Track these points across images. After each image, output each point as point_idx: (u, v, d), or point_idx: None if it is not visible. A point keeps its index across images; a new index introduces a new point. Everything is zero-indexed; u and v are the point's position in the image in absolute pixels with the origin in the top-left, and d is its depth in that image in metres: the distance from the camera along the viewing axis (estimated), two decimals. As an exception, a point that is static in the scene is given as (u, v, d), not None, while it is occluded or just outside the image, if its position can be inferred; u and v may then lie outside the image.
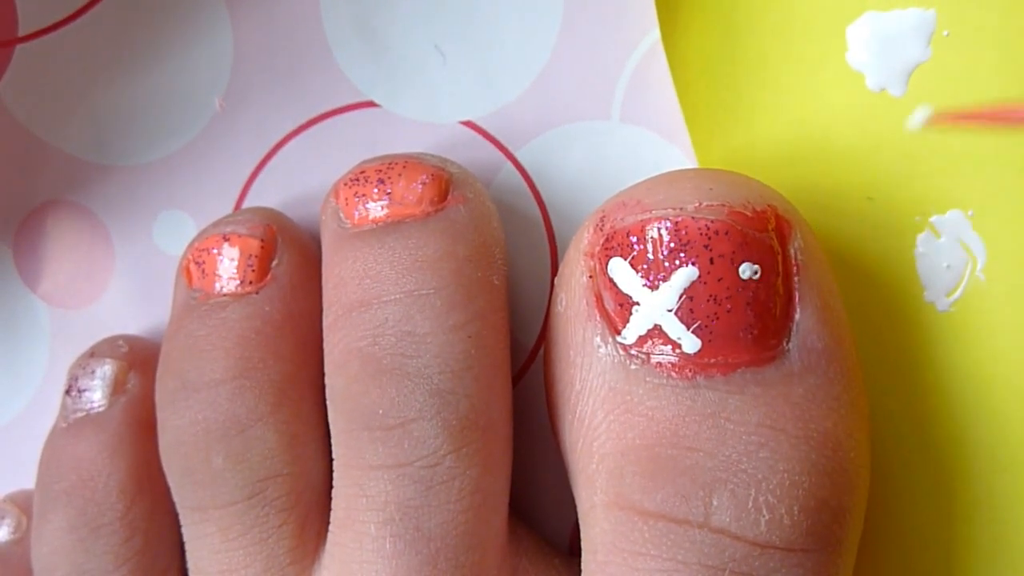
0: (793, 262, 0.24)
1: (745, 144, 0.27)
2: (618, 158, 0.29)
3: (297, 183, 0.30)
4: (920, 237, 0.26)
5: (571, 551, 0.30)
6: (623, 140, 0.29)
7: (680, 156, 0.28)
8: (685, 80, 0.28)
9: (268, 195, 0.31)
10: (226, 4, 0.30)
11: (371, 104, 0.30)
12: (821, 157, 0.26)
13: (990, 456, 0.26)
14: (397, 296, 0.25)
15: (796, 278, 0.24)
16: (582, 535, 0.25)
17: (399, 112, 0.30)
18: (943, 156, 0.25)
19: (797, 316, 0.24)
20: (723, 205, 0.23)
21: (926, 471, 0.26)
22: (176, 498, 0.28)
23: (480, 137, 0.29)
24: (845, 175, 0.26)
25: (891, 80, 0.25)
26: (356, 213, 0.27)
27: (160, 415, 0.28)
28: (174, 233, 0.31)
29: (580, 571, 0.27)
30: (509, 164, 0.29)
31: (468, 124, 0.29)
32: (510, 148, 0.29)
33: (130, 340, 0.30)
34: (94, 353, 0.30)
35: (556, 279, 0.26)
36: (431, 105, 0.30)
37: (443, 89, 0.29)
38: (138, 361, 0.30)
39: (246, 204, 0.31)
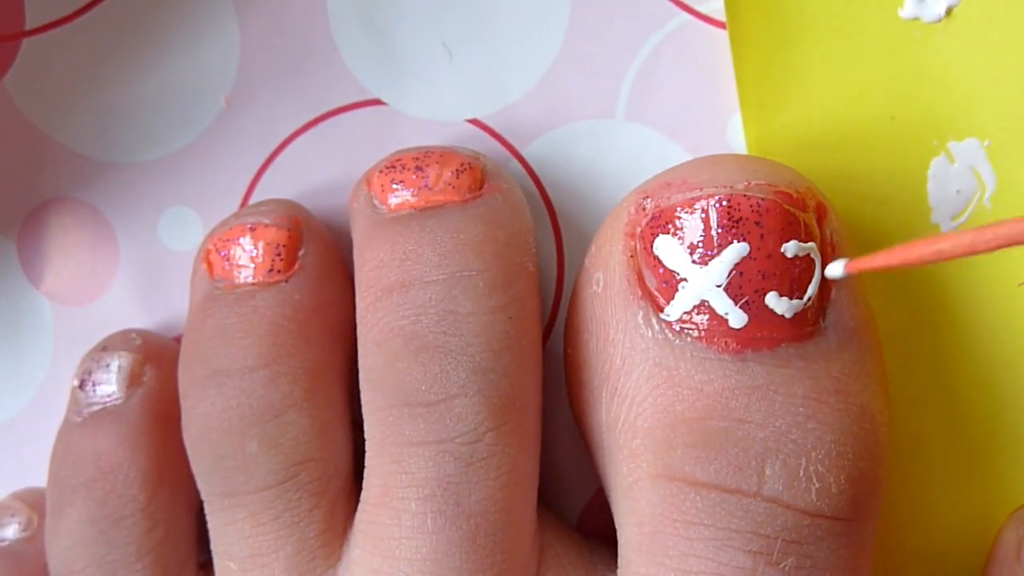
0: (829, 244, 0.24)
1: (782, 79, 0.27)
2: (622, 156, 0.28)
3: (303, 180, 0.29)
4: (935, 161, 0.26)
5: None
6: (627, 138, 0.28)
7: (682, 154, 0.28)
8: (741, 50, 0.27)
9: (274, 192, 0.30)
10: (233, 2, 0.29)
11: (377, 102, 0.29)
12: (851, 77, 0.26)
13: (987, 375, 0.27)
14: (439, 277, 0.25)
15: (832, 259, 0.24)
16: (622, 510, 0.25)
17: (405, 110, 0.29)
18: (970, 86, 0.26)
19: (833, 295, 0.24)
20: (769, 185, 0.23)
21: (925, 382, 0.27)
22: (203, 485, 0.27)
23: (486, 135, 0.29)
24: (871, 92, 0.26)
25: (926, 9, 0.26)
26: (393, 199, 0.26)
27: (186, 403, 0.27)
28: (179, 230, 0.30)
29: (594, 547, 0.27)
30: (515, 161, 0.29)
31: (474, 122, 0.29)
32: (516, 146, 0.29)
33: (142, 333, 0.29)
34: (107, 347, 0.28)
35: (587, 260, 0.26)
36: (437, 103, 0.29)
37: (449, 87, 0.29)
38: (152, 354, 0.28)
39: (252, 201, 0.29)
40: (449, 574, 0.24)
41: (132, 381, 0.28)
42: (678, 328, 0.23)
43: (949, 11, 0.26)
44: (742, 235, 0.23)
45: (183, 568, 0.28)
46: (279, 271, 0.27)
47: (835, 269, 0.23)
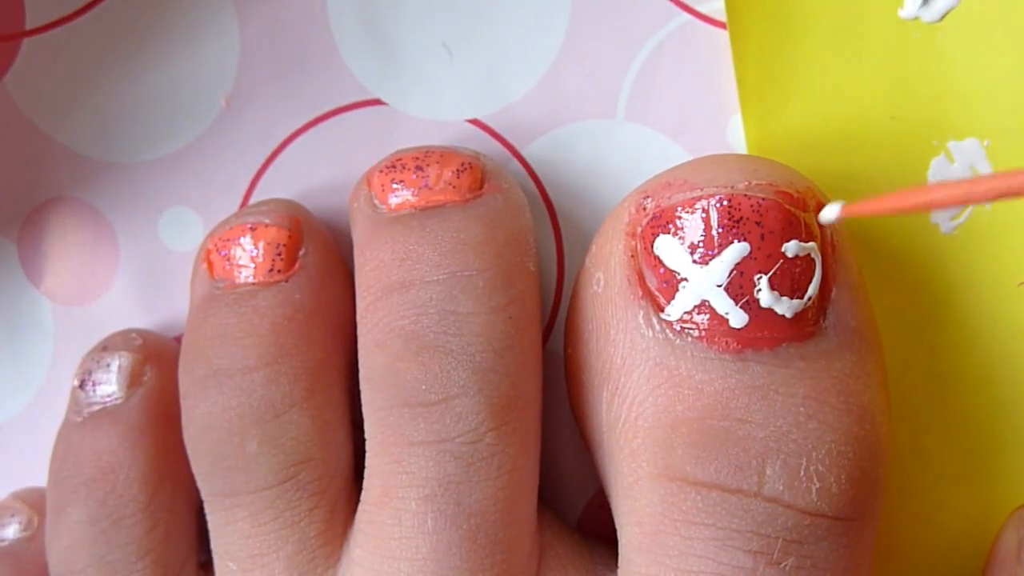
0: (829, 243, 0.24)
1: (781, 81, 0.27)
2: (622, 156, 0.28)
3: (303, 180, 0.29)
4: (935, 160, 0.26)
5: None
6: (627, 138, 0.28)
7: (683, 154, 0.28)
8: (742, 50, 0.27)
9: (274, 192, 0.30)
10: (233, 2, 0.29)
11: (377, 102, 0.29)
12: (851, 77, 0.26)
13: (988, 375, 0.27)
14: (440, 277, 0.25)
15: (832, 259, 0.24)
16: (622, 510, 0.25)
17: (406, 110, 0.29)
18: (970, 86, 0.26)
19: (834, 295, 0.24)
20: (770, 184, 0.23)
21: (925, 382, 0.27)
22: (203, 486, 0.27)
23: (486, 135, 0.29)
24: (871, 92, 0.26)
25: (926, 9, 0.26)
26: (393, 199, 0.26)
27: (186, 403, 0.26)
28: (180, 230, 0.30)
29: (594, 547, 0.27)
30: (515, 161, 0.29)
31: (474, 122, 0.29)
32: (516, 146, 0.29)
33: (143, 333, 0.29)
34: (107, 347, 0.28)
35: (588, 260, 0.26)
36: (438, 103, 0.29)
37: (450, 87, 0.29)
38: (152, 354, 0.28)
39: (252, 201, 0.29)
40: (449, 574, 0.24)
41: (132, 381, 0.28)
42: (679, 328, 0.23)
43: (949, 11, 0.26)
44: (743, 235, 0.23)
45: (183, 568, 0.28)
46: (279, 271, 0.27)
47: (830, 212, 0.23)
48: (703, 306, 0.23)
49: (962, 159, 0.26)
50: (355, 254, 0.26)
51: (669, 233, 0.23)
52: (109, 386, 0.28)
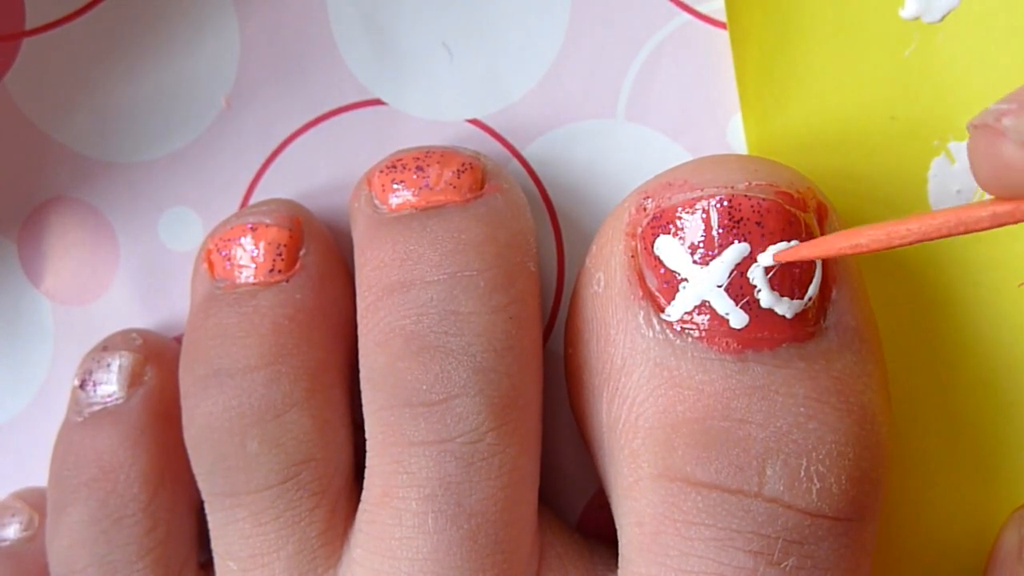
0: None
1: (783, 81, 0.27)
2: (622, 156, 0.28)
3: (303, 180, 0.29)
4: (935, 160, 0.26)
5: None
6: (628, 138, 0.28)
7: (683, 154, 0.28)
8: (742, 50, 0.27)
9: (274, 192, 0.30)
10: (233, 1, 0.29)
11: (378, 102, 0.29)
12: (852, 77, 0.26)
13: (988, 375, 0.27)
14: (440, 277, 0.25)
15: (832, 259, 0.24)
16: (622, 510, 0.25)
17: (406, 110, 0.29)
18: (970, 86, 0.26)
19: (834, 295, 0.24)
20: (771, 185, 0.23)
21: (925, 382, 0.27)
22: (204, 485, 0.27)
23: (486, 135, 0.29)
24: (872, 92, 0.26)
25: (927, 9, 0.26)
26: (394, 199, 0.26)
27: (187, 403, 0.26)
28: (180, 230, 0.30)
29: (594, 547, 0.27)
30: (515, 161, 0.29)
31: (475, 122, 0.29)
32: (516, 146, 0.29)
33: (143, 333, 0.29)
34: (107, 347, 0.28)
35: (588, 260, 0.26)
36: (438, 103, 0.29)
37: (450, 87, 0.29)
38: (153, 353, 0.28)
39: (252, 201, 0.29)
40: (450, 574, 0.24)
41: (133, 381, 0.28)
42: (679, 328, 0.23)
43: (949, 11, 0.26)
44: (743, 235, 0.23)
45: (184, 568, 0.28)
46: (280, 271, 0.27)
47: (766, 258, 0.23)
48: (703, 306, 0.23)
49: (962, 159, 0.26)
50: (355, 254, 0.26)
51: (669, 233, 0.23)
52: (110, 386, 0.28)
